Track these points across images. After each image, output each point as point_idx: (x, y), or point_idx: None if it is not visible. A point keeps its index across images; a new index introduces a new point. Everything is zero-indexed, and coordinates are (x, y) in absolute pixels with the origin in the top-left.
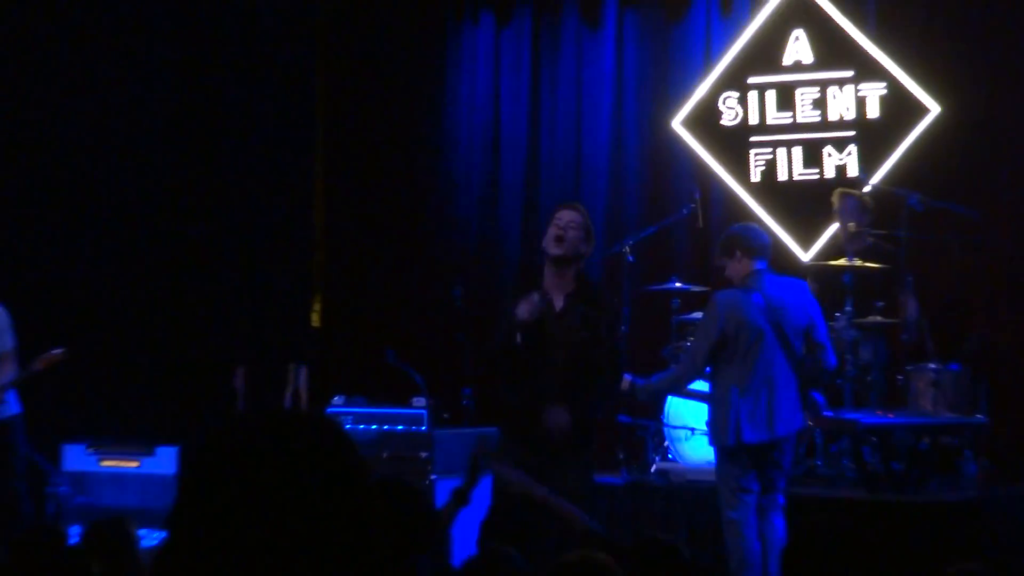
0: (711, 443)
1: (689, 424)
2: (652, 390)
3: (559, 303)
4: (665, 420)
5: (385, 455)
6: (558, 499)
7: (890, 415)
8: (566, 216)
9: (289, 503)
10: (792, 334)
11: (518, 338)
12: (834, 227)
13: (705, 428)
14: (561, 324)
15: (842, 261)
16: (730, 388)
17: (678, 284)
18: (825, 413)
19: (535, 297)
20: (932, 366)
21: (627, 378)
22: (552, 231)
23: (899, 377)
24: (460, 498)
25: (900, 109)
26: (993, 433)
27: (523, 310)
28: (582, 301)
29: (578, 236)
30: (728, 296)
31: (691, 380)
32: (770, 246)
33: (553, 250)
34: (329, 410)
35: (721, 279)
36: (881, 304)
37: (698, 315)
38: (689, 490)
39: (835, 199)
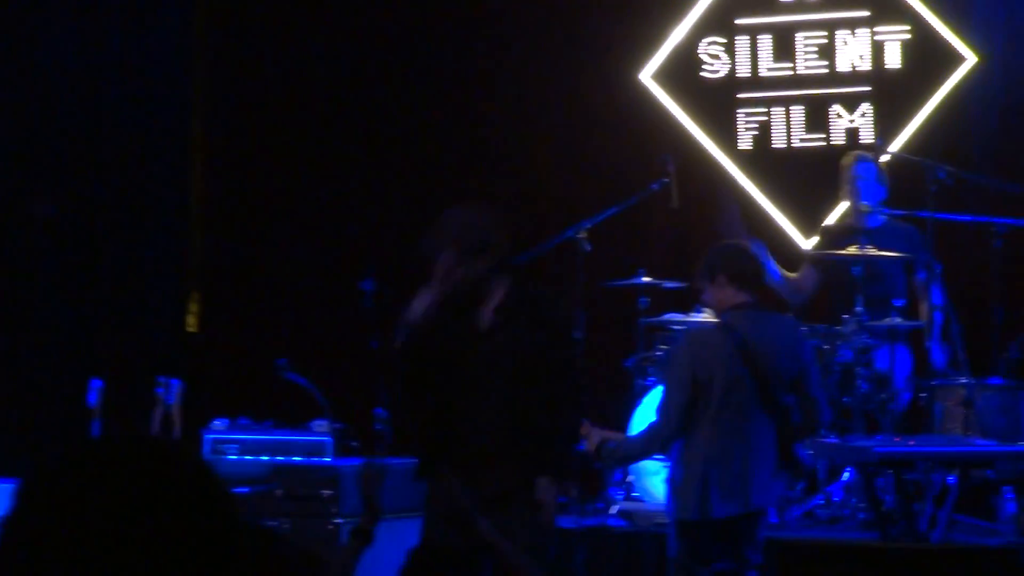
0: (669, 518)
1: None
2: (622, 456)
3: (485, 319)
4: None
5: (279, 493)
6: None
7: (910, 442)
8: (446, 261)
9: (132, 556)
10: (776, 385)
11: (399, 344)
12: (843, 206)
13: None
14: (489, 346)
15: (853, 249)
16: (699, 450)
17: (647, 279)
18: (826, 440)
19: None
20: (964, 381)
21: (592, 432)
22: None
23: (922, 395)
24: (361, 537)
25: (927, 58)
26: None
27: (417, 308)
28: (518, 314)
29: (462, 272)
30: (699, 336)
31: (670, 442)
32: (764, 273)
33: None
34: (209, 435)
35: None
36: (901, 303)
37: (672, 316)
38: (658, 537)
39: (845, 163)
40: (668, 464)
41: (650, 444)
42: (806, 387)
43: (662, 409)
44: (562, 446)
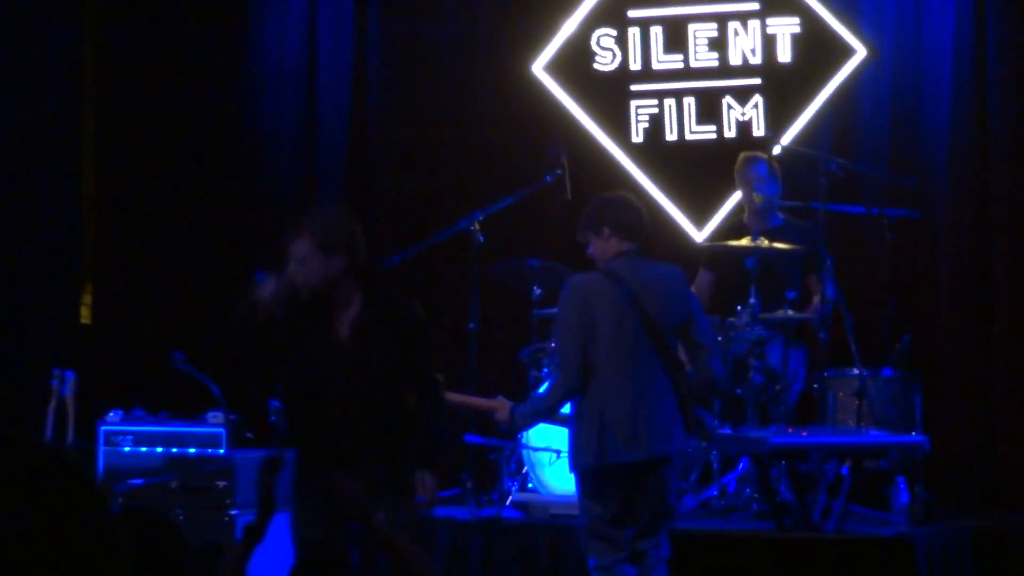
0: (571, 468)
1: (554, 446)
2: (531, 413)
3: (343, 330)
4: (524, 440)
5: (173, 485)
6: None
7: (804, 433)
8: (298, 251)
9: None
10: (667, 333)
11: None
12: (736, 198)
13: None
14: (349, 359)
15: (745, 241)
16: (595, 398)
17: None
18: (720, 431)
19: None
20: (856, 372)
21: (503, 402)
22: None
23: (815, 386)
24: (253, 535)
25: (818, 51)
26: (931, 455)
27: (267, 288)
28: (376, 326)
29: (315, 267)
30: (585, 280)
31: (572, 394)
32: (645, 225)
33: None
34: (104, 427)
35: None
36: (794, 295)
37: None
38: (553, 528)
39: (739, 165)
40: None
41: (554, 398)
42: (695, 335)
43: (559, 362)
44: (430, 441)
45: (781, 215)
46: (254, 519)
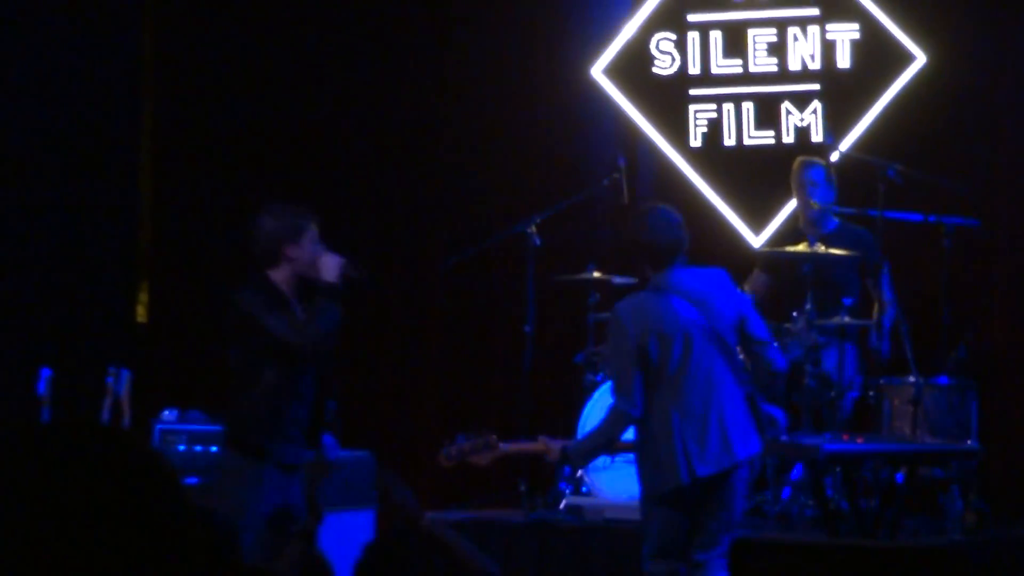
0: (649, 492)
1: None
2: (589, 450)
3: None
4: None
5: None
6: (449, 532)
7: (859, 440)
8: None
9: (79, 538)
10: (726, 335)
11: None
12: (793, 204)
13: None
14: None
15: (802, 247)
16: (668, 415)
17: (597, 274)
18: (782, 438)
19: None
20: (912, 380)
21: (548, 444)
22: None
23: (871, 393)
24: (304, 540)
25: (877, 57)
26: (986, 464)
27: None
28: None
29: None
30: (633, 303)
31: (629, 422)
32: (683, 231)
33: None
34: (159, 426)
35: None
36: (850, 302)
37: None
38: (606, 531)
39: (795, 169)
40: (634, 443)
41: (614, 426)
42: (750, 330)
43: (617, 388)
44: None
45: (836, 220)
46: (303, 524)
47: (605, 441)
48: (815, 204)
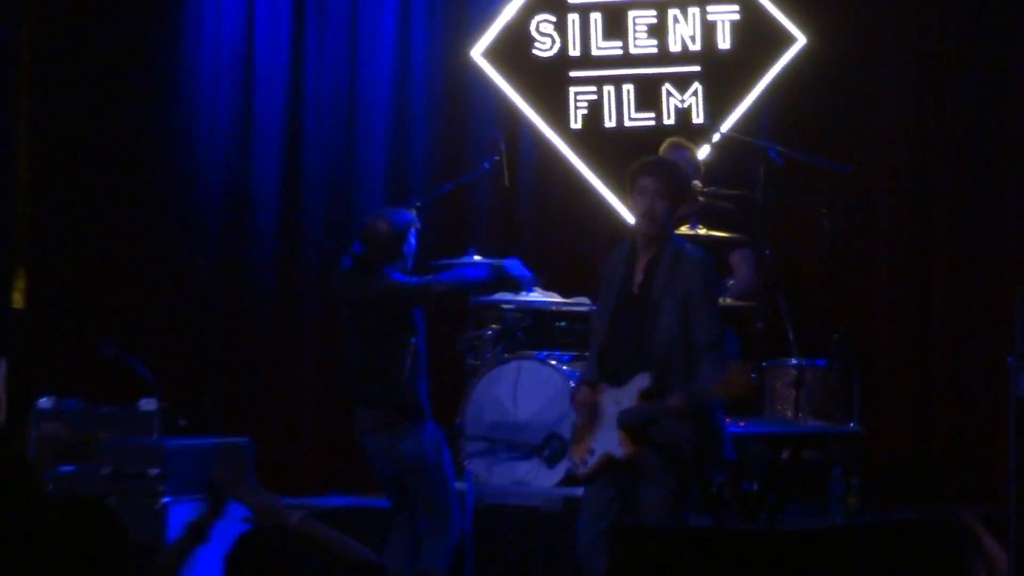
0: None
1: (490, 434)
2: (710, 390)
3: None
4: (463, 426)
5: (105, 471)
6: (319, 526)
7: (740, 423)
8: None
9: None
10: None
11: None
12: None
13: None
14: None
15: (684, 229)
16: None
17: (478, 258)
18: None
19: None
20: (794, 362)
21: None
22: None
23: (752, 375)
24: (197, 534)
25: (758, 39)
26: (868, 446)
27: None
28: None
29: None
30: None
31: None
32: None
33: None
34: (35, 412)
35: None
36: (731, 283)
37: (503, 297)
38: (491, 516)
39: (661, 152)
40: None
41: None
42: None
43: (720, 333)
44: None
45: (702, 199)
46: (199, 516)
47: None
48: (695, 185)
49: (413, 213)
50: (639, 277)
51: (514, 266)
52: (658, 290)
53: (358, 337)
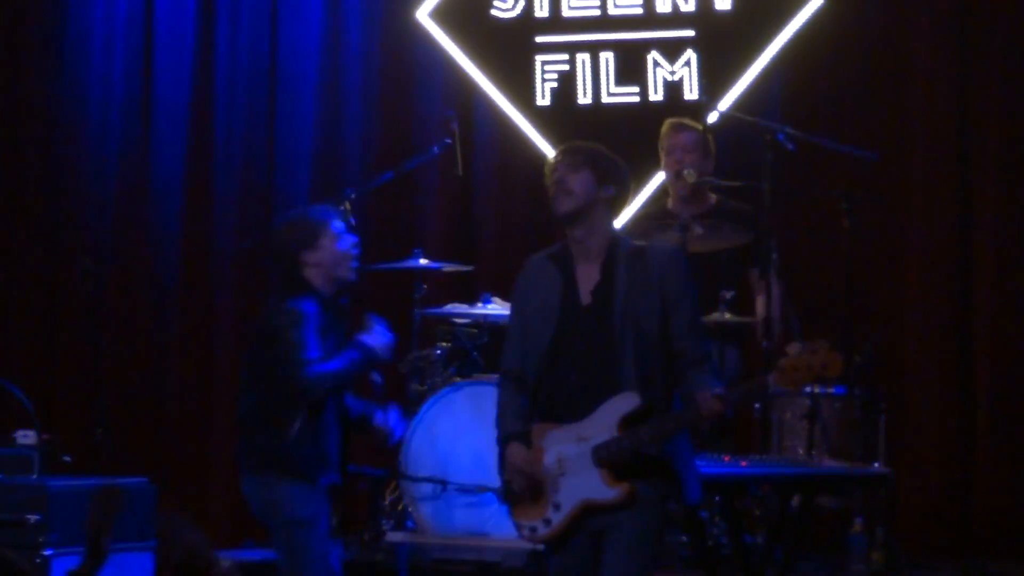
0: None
1: (439, 475)
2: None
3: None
4: (403, 467)
5: None
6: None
7: (742, 463)
8: None
9: None
10: None
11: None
12: (661, 177)
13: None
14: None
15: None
16: None
17: (424, 261)
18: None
19: None
20: (807, 390)
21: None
22: None
23: (756, 405)
24: None
25: None
26: (895, 490)
27: None
28: None
29: None
30: None
31: None
32: None
33: None
34: None
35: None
36: (731, 294)
37: (456, 308)
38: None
39: (664, 134)
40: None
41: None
42: None
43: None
44: None
45: (714, 196)
46: (80, 565)
47: None
48: (689, 177)
49: (336, 211)
50: (586, 285)
51: (373, 336)
52: (621, 295)
53: (248, 370)
